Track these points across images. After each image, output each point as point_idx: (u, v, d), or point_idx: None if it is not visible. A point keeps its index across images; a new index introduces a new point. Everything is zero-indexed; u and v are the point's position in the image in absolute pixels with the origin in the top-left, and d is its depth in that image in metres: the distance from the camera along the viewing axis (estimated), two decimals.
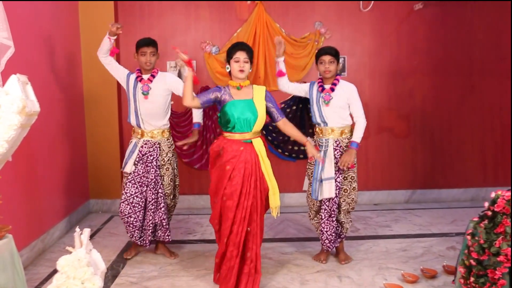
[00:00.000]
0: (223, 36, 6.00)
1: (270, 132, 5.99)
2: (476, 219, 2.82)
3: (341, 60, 5.98)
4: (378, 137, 6.10)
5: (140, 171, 4.19)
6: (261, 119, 3.59)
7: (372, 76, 6.07)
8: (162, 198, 4.21)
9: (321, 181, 4.00)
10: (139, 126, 4.22)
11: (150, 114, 4.18)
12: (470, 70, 6.10)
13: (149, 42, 4.20)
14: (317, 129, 4.14)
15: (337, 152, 4.02)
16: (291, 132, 3.71)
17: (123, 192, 4.22)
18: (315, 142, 4.15)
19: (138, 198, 4.18)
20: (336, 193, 4.00)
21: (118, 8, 5.93)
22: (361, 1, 5.91)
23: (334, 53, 4.06)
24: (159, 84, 4.19)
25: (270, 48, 5.89)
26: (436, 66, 6.09)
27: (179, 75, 6.00)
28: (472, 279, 2.77)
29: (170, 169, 4.26)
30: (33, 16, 4.43)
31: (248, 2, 5.90)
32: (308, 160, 4.12)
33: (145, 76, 4.21)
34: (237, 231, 3.46)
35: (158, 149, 4.21)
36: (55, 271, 2.48)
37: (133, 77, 4.24)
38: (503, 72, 6.08)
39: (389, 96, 6.11)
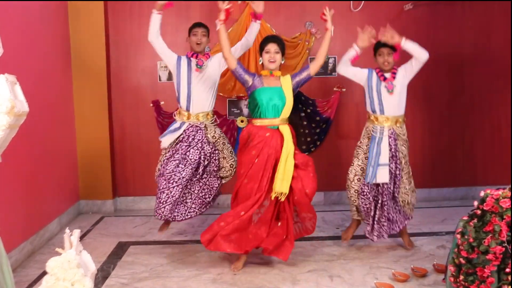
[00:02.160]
0: (213, 36, 5.97)
1: None
2: (465, 218, 2.84)
3: (331, 60, 6.06)
4: None
5: (182, 150, 4.26)
6: (289, 106, 3.85)
7: None
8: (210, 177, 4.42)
9: (376, 166, 4.07)
10: (187, 109, 4.34)
11: (201, 95, 4.33)
12: (460, 70, 6.13)
13: (201, 24, 4.49)
14: (371, 117, 4.23)
15: (392, 140, 4.15)
16: (321, 52, 3.98)
17: (160, 167, 4.32)
18: (369, 129, 4.26)
19: (176, 177, 4.19)
20: (391, 182, 4.14)
21: (107, 8, 5.91)
22: (351, 1, 5.92)
23: (392, 45, 4.15)
24: (213, 63, 4.37)
25: None
26: (426, 66, 6.05)
27: (170, 76, 5.99)
28: (461, 277, 2.79)
29: (226, 144, 4.41)
30: (22, 16, 4.40)
31: (239, 2, 5.89)
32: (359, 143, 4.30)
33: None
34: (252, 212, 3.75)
35: (205, 129, 4.35)
36: (44, 273, 2.47)
37: (184, 59, 4.39)
38: (493, 73, 6.12)
39: None
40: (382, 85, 4.18)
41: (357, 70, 4.30)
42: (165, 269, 4.02)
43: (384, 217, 4.14)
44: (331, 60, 6.04)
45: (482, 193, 2.77)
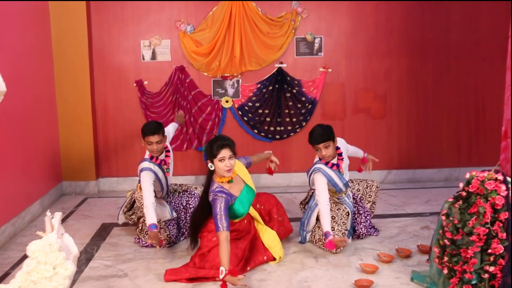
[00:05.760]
0: (198, 15, 5.88)
1: (246, 113, 5.95)
2: (451, 199, 2.85)
3: (317, 40, 6.00)
4: (354, 118, 6.11)
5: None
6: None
7: (349, 57, 6.05)
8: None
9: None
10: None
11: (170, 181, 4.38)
12: (446, 52, 6.12)
13: (154, 130, 3.98)
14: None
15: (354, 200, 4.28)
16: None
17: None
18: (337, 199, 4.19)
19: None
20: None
21: None
22: None
23: (327, 138, 3.88)
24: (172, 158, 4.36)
25: (246, 27, 5.80)
26: (412, 47, 6.10)
27: (153, 55, 5.89)
28: (446, 258, 2.81)
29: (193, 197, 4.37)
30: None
31: None
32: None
33: (162, 156, 4.19)
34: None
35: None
36: (26, 256, 2.42)
37: (155, 166, 4.09)
38: (479, 55, 6.12)
39: (365, 76, 6.11)
40: (340, 173, 4.10)
41: (323, 188, 3.95)
42: (150, 250, 3.99)
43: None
44: (317, 40, 5.98)
45: (467, 175, 2.78)
